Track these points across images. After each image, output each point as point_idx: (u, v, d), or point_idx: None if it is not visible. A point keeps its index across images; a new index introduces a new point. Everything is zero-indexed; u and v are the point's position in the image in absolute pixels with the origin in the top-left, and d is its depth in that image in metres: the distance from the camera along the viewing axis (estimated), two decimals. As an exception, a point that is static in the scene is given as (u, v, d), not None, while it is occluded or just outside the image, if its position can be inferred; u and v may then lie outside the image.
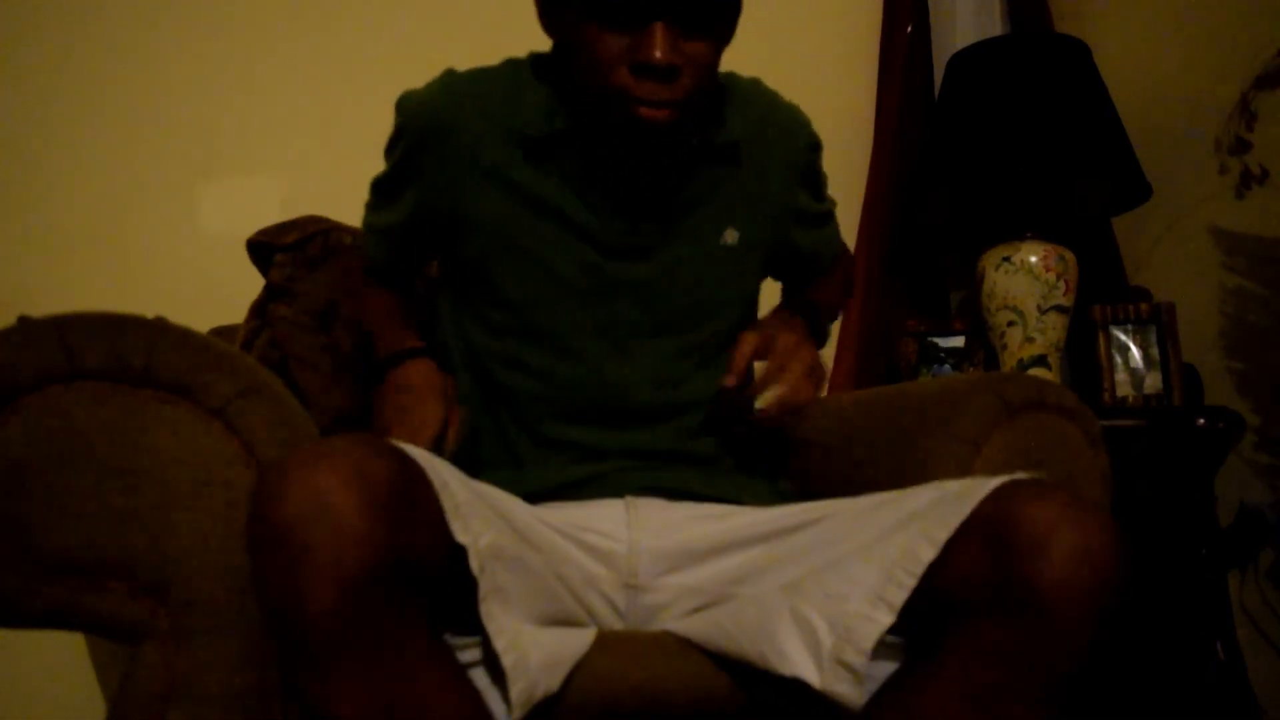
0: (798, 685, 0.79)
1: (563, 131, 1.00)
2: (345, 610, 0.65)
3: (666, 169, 1.03)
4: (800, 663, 0.79)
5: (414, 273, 1.24)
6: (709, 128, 1.04)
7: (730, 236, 1.08)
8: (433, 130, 1.03)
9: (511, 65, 1.06)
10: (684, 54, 0.91)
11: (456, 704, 0.72)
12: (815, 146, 1.17)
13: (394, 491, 0.69)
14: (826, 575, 0.84)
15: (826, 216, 1.24)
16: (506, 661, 0.74)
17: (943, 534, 0.79)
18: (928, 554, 0.78)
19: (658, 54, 0.89)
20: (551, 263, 1.04)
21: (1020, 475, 0.82)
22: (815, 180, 1.19)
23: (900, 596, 0.78)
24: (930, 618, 0.80)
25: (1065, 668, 0.75)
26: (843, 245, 1.31)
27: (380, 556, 0.67)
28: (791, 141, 1.13)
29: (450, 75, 1.05)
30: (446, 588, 0.75)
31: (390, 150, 1.10)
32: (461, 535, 0.74)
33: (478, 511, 0.79)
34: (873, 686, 0.81)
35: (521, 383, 1.06)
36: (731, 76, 1.11)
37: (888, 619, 0.78)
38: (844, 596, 0.81)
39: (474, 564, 0.74)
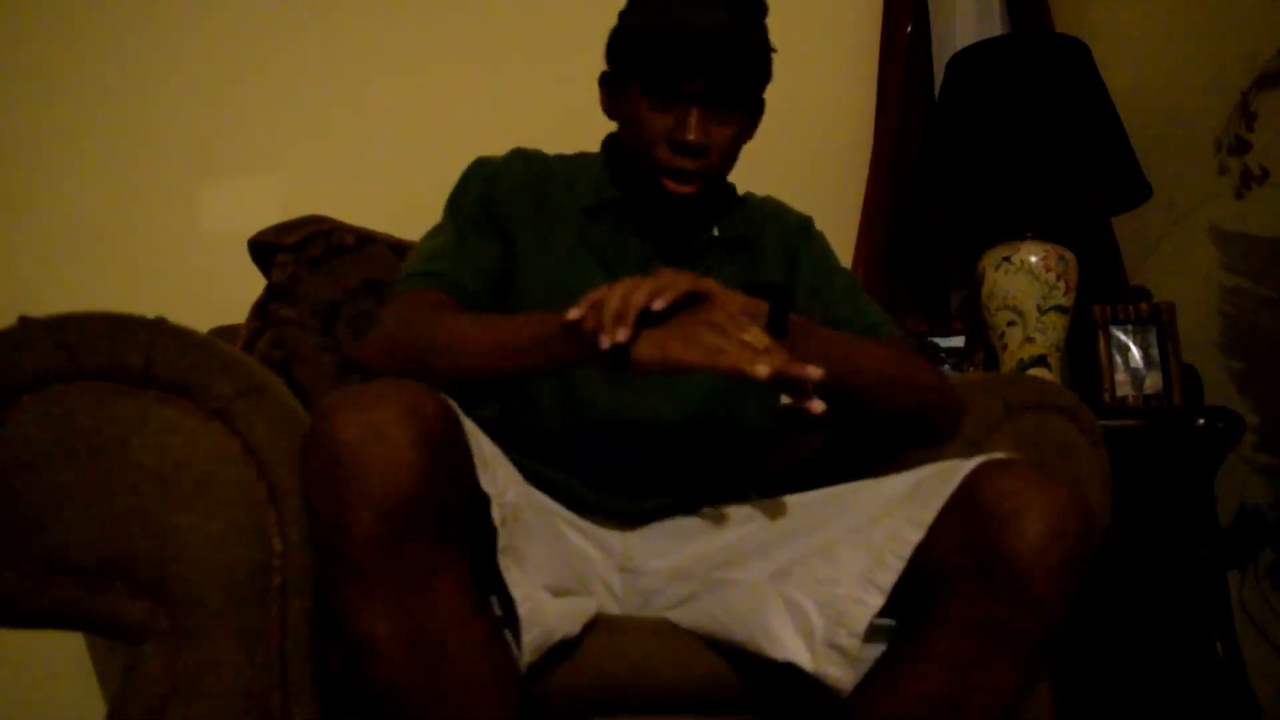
0: (789, 669, 0.81)
1: (611, 200, 1.12)
2: (387, 534, 0.69)
3: (689, 241, 1.13)
4: (792, 646, 0.82)
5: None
6: (724, 226, 1.15)
7: None
8: (510, 184, 1.12)
9: (569, 158, 1.19)
10: (712, 137, 1.04)
11: (479, 639, 0.75)
12: (806, 227, 1.22)
13: (442, 430, 0.73)
14: (815, 561, 0.86)
15: (839, 289, 1.19)
16: (523, 610, 0.77)
17: (927, 516, 0.81)
18: (914, 536, 0.81)
19: (691, 135, 1.02)
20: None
21: (997, 455, 0.84)
22: (812, 254, 1.20)
23: (889, 579, 0.80)
24: (915, 597, 0.82)
25: (1041, 635, 0.78)
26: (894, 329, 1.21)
27: (425, 488, 0.70)
28: (785, 227, 1.21)
29: (523, 150, 1.17)
30: (472, 536, 0.78)
31: (463, 200, 1.12)
32: (488, 485, 0.77)
33: (500, 469, 0.82)
34: (861, 669, 0.83)
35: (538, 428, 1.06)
36: (750, 194, 1.23)
37: (878, 601, 0.80)
38: (834, 580, 0.83)
39: (495, 514, 0.77)
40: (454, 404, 0.79)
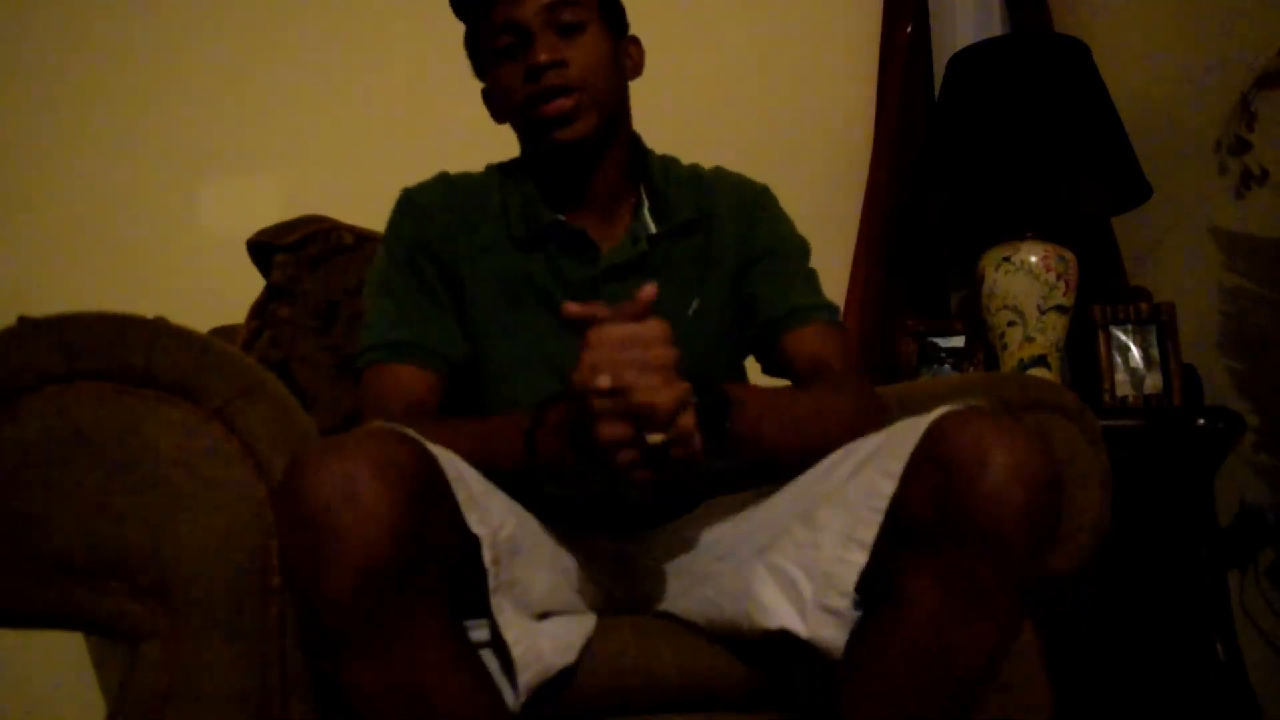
0: (784, 642, 0.81)
1: (545, 227, 1.08)
2: (366, 596, 0.68)
3: (638, 247, 1.09)
4: (784, 614, 0.82)
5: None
6: (664, 215, 1.11)
7: (694, 305, 1.11)
8: (438, 220, 1.09)
9: (494, 172, 1.16)
10: (565, 53, 1.03)
11: (466, 688, 0.75)
12: (762, 193, 1.18)
13: (418, 481, 0.72)
14: (796, 528, 0.86)
15: (783, 267, 1.13)
16: (517, 652, 0.77)
17: (897, 466, 0.80)
18: (887, 487, 0.80)
19: (542, 56, 1.01)
20: (535, 337, 1.06)
21: (956, 406, 0.83)
22: (766, 223, 1.15)
23: (870, 534, 0.80)
24: (892, 559, 0.81)
25: (1015, 582, 0.78)
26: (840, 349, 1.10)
27: (403, 545, 0.69)
28: (740, 197, 1.17)
29: (447, 175, 1.14)
30: (463, 571, 0.77)
31: (398, 248, 1.09)
32: (477, 527, 0.76)
33: (493, 503, 0.81)
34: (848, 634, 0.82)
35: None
36: (696, 166, 1.19)
37: (862, 557, 0.80)
38: (816, 544, 0.83)
39: (487, 556, 0.76)
40: (434, 446, 0.77)
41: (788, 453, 0.94)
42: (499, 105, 1.11)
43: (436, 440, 0.80)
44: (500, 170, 1.16)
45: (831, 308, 1.12)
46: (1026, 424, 0.80)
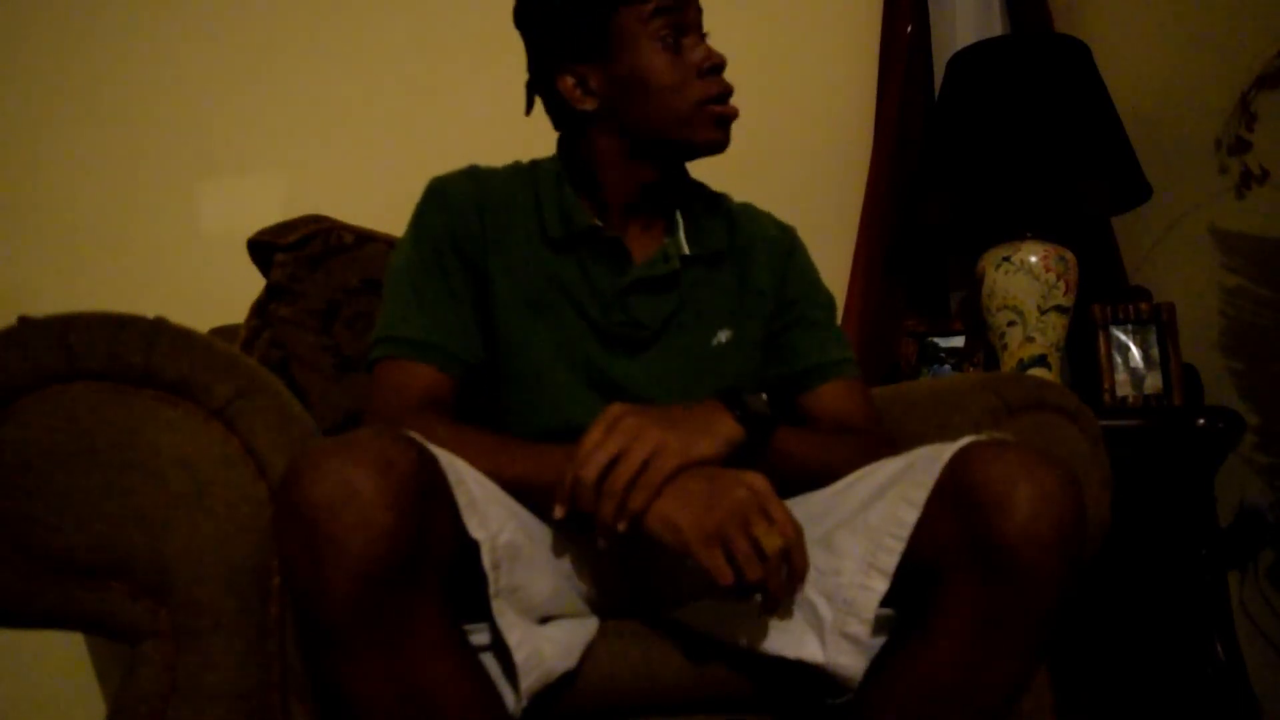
0: (796, 664, 0.81)
1: (579, 231, 1.05)
2: (366, 598, 0.68)
3: (666, 274, 1.07)
4: (803, 642, 0.82)
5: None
6: (700, 240, 1.10)
7: (723, 335, 1.10)
8: (469, 214, 1.05)
9: (523, 171, 1.11)
10: None
11: (467, 690, 0.75)
12: (791, 238, 1.19)
13: (417, 483, 0.71)
14: (815, 552, 0.86)
15: (816, 317, 1.15)
16: (519, 656, 0.77)
17: (920, 494, 0.81)
18: (910, 516, 0.81)
19: (717, 56, 1.03)
20: (562, 340, 1.04)
21: (982, 437, 0.83)
22: (798, 270, 1.17)
23: (891, 561, 0.80)
24: (914, 587, 0.82)
25: (1042, 617, 0.78)
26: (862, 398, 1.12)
27: (402, 547, 0.69)
28: (770, 241, 1.16)
29: (477, 169, 1.10)
30: (463, 574, 0.77)
31: (427, 239, 1.04)
32: (476, 531, 0.76)
33: (493, 508, 0.80)
34: (865, 661, 0.83)
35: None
36: (725, 199, 1.18)
37: (882, 585, 0.80)
38: (836, 570, 0.83)
39: (486, 560, 0.76)
40: (434, 449, 0.77)
41: (812, 476, 0.96)
42: (630, 88, 1.03)
43: (452, 446, 0.80)
44: (530, 168, 1.12)
45: (855, 361, 1.15)
46: (1052, 458, 0.80)
